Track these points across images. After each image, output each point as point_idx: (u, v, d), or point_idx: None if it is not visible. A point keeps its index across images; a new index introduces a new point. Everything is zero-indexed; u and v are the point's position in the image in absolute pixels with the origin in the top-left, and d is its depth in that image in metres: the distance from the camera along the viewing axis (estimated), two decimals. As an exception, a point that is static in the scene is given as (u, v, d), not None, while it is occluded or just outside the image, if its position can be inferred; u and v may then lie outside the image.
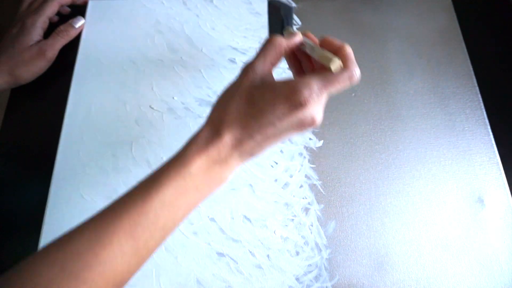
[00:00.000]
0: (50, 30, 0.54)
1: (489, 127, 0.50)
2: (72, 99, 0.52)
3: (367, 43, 0.55)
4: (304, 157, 0.49)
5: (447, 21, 0.56)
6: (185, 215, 0.33)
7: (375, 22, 0.57)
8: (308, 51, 0.35)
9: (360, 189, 0.47)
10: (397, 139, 0.50)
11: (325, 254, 0.44)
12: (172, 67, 0.54)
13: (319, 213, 0.46)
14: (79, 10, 0.57)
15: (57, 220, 0.45)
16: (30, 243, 0.45)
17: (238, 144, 0.33)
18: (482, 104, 0.51)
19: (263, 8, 0.57)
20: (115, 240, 0.29)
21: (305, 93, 0.31)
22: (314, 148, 0.49)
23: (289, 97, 0.31)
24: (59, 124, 0.50)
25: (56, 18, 0.57)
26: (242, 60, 0.54)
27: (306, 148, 0.49)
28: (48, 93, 0.54)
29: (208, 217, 0.45)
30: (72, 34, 0.54)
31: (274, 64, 0.35)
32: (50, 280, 0.27)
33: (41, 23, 0.53)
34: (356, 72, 0.33)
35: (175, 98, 0.51)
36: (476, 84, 0.52)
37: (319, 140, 0.50)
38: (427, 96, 0.52)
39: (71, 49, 0.55)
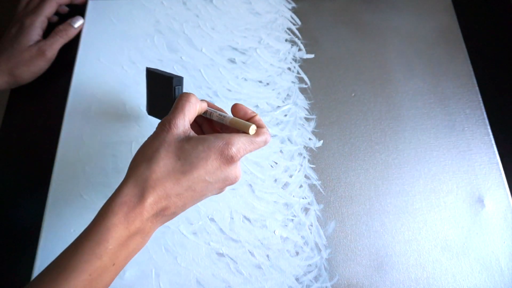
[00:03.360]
0: (49, 30, 0.54)
1: (489, 127, 0.50)
2: (72, 99, 0.52)
3: (367, 43, 0.55)
4: (304, 157, 0.49)
5: (447, 21, 0.56)
6: None
7: (375, 22, 0.57)
8: (215, 118, 0.38)
9: (360, 189, 0.47)
10: (397, 139, 0.49)
11: (325, 254, 0.44)
12: (172, 67, 0.54)
13: (318, 213, 0.46)
14: (79, 10, 0.57)
15: (57, 220, 0.45)
16: (29, 243, 0.45)
17: (162, 210, 0.31)
18: (482, 104, 0.51)
19: (263, 8, 0.57)
20: None
21: (236, 147, 0.32)
22: (314, 148, 0.49)
23: (222, 150, 0.32)
24: (59, 124, 0.50)
25: (55, 18, 0.57)
26: (242, 60, 0.54)
27: (305, 148, 0.49)
28: (48, 93, 0.54)
29: (208, 217, 0.45)
30: (71, 33, 0.54)
31: (190, 122, 0.35)
32: None
33: (40, 23, 0.53)
34: (269, 136, 0.37)
35: (175, 98, 0.51)
36: (476, 84, 0.52)
37: (319, 140, 0.50)
38: (427, 96, 0.52)
39: (70, 48, 0.55)
